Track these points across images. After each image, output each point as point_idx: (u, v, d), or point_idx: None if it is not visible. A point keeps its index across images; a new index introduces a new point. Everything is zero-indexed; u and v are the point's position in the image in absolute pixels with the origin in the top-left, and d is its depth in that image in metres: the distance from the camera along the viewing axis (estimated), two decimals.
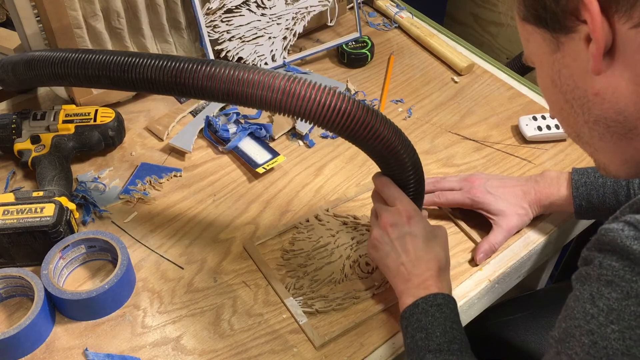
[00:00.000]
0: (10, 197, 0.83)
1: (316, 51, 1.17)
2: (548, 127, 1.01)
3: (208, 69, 0.66)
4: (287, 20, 1.12)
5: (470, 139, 1.03)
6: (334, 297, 0.80)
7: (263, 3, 1.08)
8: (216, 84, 0.66)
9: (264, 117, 1.06)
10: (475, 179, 0.87)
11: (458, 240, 0.88)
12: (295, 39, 1.15)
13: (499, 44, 1.88)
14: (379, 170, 0.77)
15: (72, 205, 0.85)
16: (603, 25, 0.45)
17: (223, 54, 1.09)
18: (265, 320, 0.79)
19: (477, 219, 0.88)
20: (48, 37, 0.96)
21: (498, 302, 0.92)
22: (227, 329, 0.78)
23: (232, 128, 1.02)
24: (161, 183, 0.96)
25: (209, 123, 1.02)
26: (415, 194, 0.77)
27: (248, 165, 0.97)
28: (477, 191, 0.85)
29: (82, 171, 0.97)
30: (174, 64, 0.67)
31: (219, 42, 1.07)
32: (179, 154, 1.00)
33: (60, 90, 1.05)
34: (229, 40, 1.08)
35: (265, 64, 1.13)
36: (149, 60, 0.68)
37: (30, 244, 0.81)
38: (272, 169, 0.98)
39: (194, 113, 1.07)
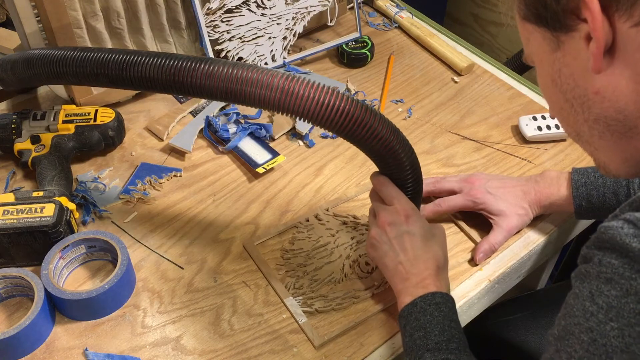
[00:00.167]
0: (10, 197, 0.83)
1: (316, 51, 1.17)
2: (548, 127, 1.01)
3: (206, 67, 0.65)
4: (287, 20, 1.12)
5: (470, 139, 1.03)
6: (333, 297, 0.80)
7: (263, 3, 1.08)
8: (215, 83, 0.65)
9: (264, 117, 1.07)
10: (475, 180, 0.87)
11: (458, 240, 0.88)
12: (295, 39, 1.15)
13: (499, 44, 1.88)
14: (378, 170, 0.77)
15: (72, 205, 0.85)
16: (603, 24, 0.45)
17: (223, 54, 1.09)
18: (265, 320, 0.79)
19: (477, 219, 0.88)
20: (48, 36, 0.96)
21: (498, 302, 0.92)
22: (227, 329, 0.78)
23: (232, 128, 1.02)
24: (161, 183, 0.96)
25: (209, 123, 1.02)
26: (413, 193, 0.77)
27: (248, 165, 0.97)
28: (477, 192, 0.85)
29: (82, 171, 0.97)
30: (172, 62, 0.67)
31: (219, 42, 1.07)
32: (179, 154, 1.00)
33: (60, 90, 1.06)
34: (229, 40, 1.08)
35: (265, 64, 1.13)
36: (148, 59, 0.68)
37: (30, 244, 0.81)
38: (272, 169, 0.98)
39: (194, 113, 1.07)
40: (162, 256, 0.86)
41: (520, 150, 1.01)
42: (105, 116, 0.97)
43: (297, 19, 1.13)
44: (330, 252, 0.85)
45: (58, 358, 0.74)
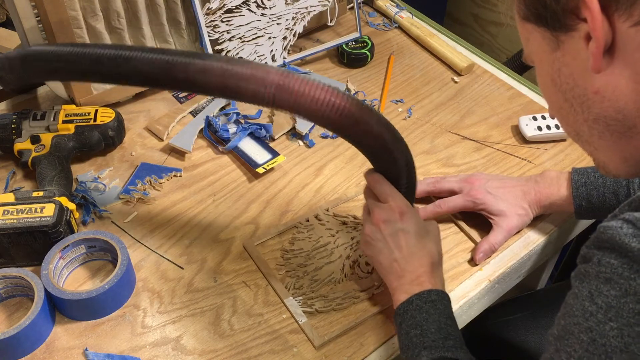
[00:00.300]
0: (10, 197, 0.83)
1: (316, 51, 1.17)
2: (548, 127, 1.01)
3: (200, 62, 0.65)
4: (287, 20, 1.12)
5: (470, 139, 1.03)
6: (333, 297, 0.80)
7: (263, 3, 1.08)
8: (208, 78, 0.65)
9: (264, 117, 1.07)
10: (475, 180, 0.87)
11: (458, 240, 0.88)
12: (295, 39, 1.15)
13: (499, 44, 1.88)
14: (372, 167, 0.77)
15: (72, 205, 0.85)
16: (603, 24, 0.45)
17: (223, 54, 1.09)
18: (265, 320, 0.79)
19: (477, 219, 0.88)
20: (48, 37, 0.96)
21: (498, 302, 0.92)
22: (227, 329, 0.78)
23: (232, 128, 1.02)
24: (161, 183, 0.96)
25: (209, 123, 1.02)
26: (407, 190, 0.77)
27: (248, 165, 0.97)
28: (477, 192, 0.85)
29: (82, 171, 0.97)
30: (166, 57, 0.66)
31: (219, 42, 1.07)
32: (179, 154, 1.00)
33: (60, 90, 1.05)
34: (229, 40, 1.08)
35: (265, 64, 1.13)
36: (141, 54, 0.67)
37: (30, 244, 0.81)
38: (272, 169, 0.98)
39: (194, 113, 1.07)
40: (162, 256, 0.86)
41: (520, 150, 1.01)
42: (105, 116, 0.97)
43: (297, 19, 1.13)
44: (330, 252, 0.85)
45: (58, 358, 0.74)
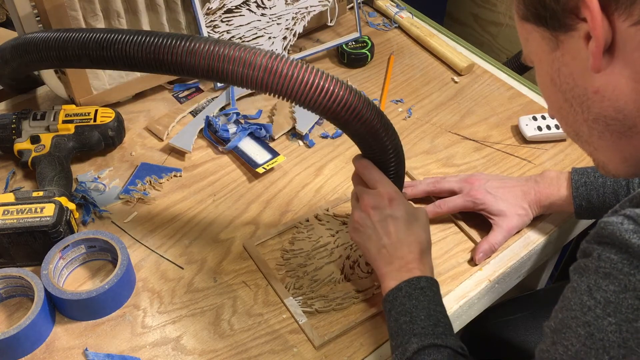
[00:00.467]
0: (10, 197, 0.83)
1: (316, 51, 1.17)
2: (548, 127, 1.01)
3: (188, 44, 0.64)
4: (287, 20, 1.12)
5: (470, 139, 1.03)
6: (333, 297, 0.80)
7: (263, 3, 1.08)
8: (196, 60, 0.64)
9: (264, 117, 1.07)
10: (475, 180, 0.87)
11: (458, 240, 0.88)
12: (295, 39, 1.15)
13: (499, 44, 1.88)
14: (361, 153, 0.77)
15: (72, 205, 0.85)
16: (603, 23, 0.45)
17: None
18: (265, 320, 0.79)
19: (477, 219, 0.88)
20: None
21: (498, 302, 0.92)
22: (227, 329, 0.78)
23: (232, 128, 1.02)
24: (161, 183, 0.96)
25: (209, 123, 1.02)
26: (395, 176, 0.76)
27: (248, 165, 0.97)
28: (477, 192, 0.85)
29: (82, 171, 0.97)
30: (153, 39, 0.65)
31: None
32: (179, 154, 1.00)
33: (60, 90, 1.06)
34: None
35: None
36: (128, 37, 0.66)
37: (30, 244, 0.81)
38: (272, 169, 0.98)
39: (194, 113, 1.07)
40: (162, 256, 0.86)
41: (520, 150, 1.01)
42: (105, 116, 0.97)
43: (297, 19, 1.13)
44: (330, 252, 0.85)
45: (58, 358, 0.74)
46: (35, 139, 0.94)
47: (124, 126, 1.01)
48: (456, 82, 1.15)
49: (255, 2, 1.07)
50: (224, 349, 0.76)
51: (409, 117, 1.08)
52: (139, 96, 1.09)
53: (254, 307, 0.80)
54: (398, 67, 1.18)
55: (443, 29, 1.27)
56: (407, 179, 0.93)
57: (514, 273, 0.87)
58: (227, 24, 1.06)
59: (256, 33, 1.10)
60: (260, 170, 0.96)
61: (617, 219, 0.46)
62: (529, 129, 1.01)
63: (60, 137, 0.94)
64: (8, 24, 1.16)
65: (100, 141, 0.97)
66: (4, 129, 0.94)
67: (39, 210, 0.80)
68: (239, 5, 1.06)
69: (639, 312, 0.43)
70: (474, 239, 0.87)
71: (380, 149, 0.72)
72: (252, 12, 1.08)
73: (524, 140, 1.03)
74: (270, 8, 1.09)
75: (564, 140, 1.02)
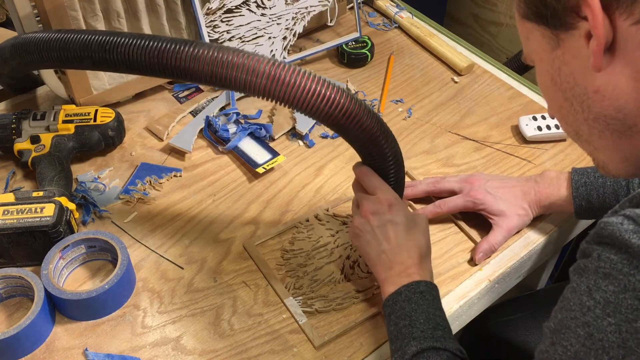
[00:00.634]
0: (10, 197, 0.83)
1: (316, 51, 1.17)
2: (548, 127, 1.01)
3: (191, 50, 0.64)
4: (287, 20, 1.12)
5: (470, 139, 1.03)
6: (333, 297, 0.80)
7: (263, 3, 1.08)
8: (199, 66, 0.64)
9: (264, 117, 1.07)
10: (475, 180, 0.87)
11: (458, 240, 0.88)
12: (295, 39, 1.15)
13: (499, 44, 1.88)
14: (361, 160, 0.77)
15: (72, 205, 0.85)
16: (604, 22, 0.44)
17: None
18: (265, 320, 0.79)
19: (477, 219, 0.88)
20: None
21: (498, 302, 0.92)
22: (227, 329, 0.78)
23: (232, 128, 1.02)
24: (161, 183, 0.96)
25: (209, 123, 1.02)
26: (395, 183, 0.77)
27: (248, 165, 0.97)
28: (477, 192, 0.85)
29: (82, 171, 0.97)
30: (156, 44, 0.65)
31: (219, 42, 1.07)
32: (179, 154, 1.00)
33: (60, 90, 1.06)
34: (229, 40, 1.08)
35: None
36: (131, 40, 0.66)
37: (30, 244, 0.81)
38: (272, 169, 0.98)
39: (194, 113, 1.07)
40: (162, 256, 0.86)
41: (520, 150, 1.01)
42: (105, 116, 0.97)
43: (297, 19, 1.13)
44: (330, 252, 0.85)
45: (58, 358, 0.74)
46: (35, 139, 0.94)
47: (124, 126, 1.01)
48: (456, 82, 1.15)
49: (255, 2, 1.07)
50: (224, 349, 0.76)
51: (409, 117, 1.08)
52: (139, 96, 1.09)
53: (254, 307, 0.80)
54: (398, 67, 1.18)
55: (443, 29, 1.27)
56: (407, 179, 0.93)
57: (514, 273, 0.87)
58: (227, 24, 1.06)
59: (256, 33, 1.10)
60: (260, 170, 0.96)
61: (616, 219, 0.46)
62: (529, 129, 1.01)
63: (60, 137, 0.94)
64: (8, 24, 1.16)
65: (100, 141, 0.97)
66: (4, 129, 0.94)
67: (39, 210, 0.80)
68: (239, 5, 1.06)
69: (639, 313, 0.43)
70: (474, 239, 0.87)
71: (379, 155, 0.73)
72: (252, 12, 1.08)
73: (524, 140, 1.03)
74: (270, 8, 1.09)
75: (564, 140, 1.02)
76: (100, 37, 0.68)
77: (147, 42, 0.66)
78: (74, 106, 0.99)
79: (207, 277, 0.83)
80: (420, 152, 1.01)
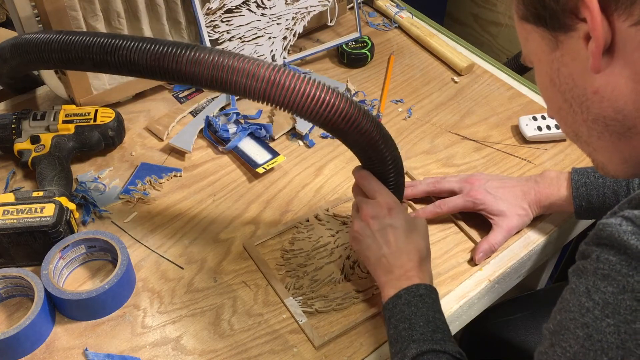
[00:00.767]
0: (10, 197, 0.83)
1: (316, 51, 1.17)
2: (548, 127, 1.01)
3: (192, 54, 0.65)
4: (287, 20, 1.12)
5: (470, 139, 1.03)
6: (334, 297, 0.80)
7: (263, 3, 1.08)
8: (200, 70, 0.65)
9: (264, 117, 1.07)
10: (475, 180, 0.87)
11: (458, 240, 0.88)
12: (295, 39, 1.15)
13: (499, 44, 1.88)
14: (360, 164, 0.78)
15: (72, 205, 0.85)
16: (603, 23, 0.44)
17: None
18: (265, 320, 0.79)
19: (477, 219, 0.88)
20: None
21: (498, 302, 0.92)
22: (227, 329, 0.78)
23: (232, 128, 1.02)
24: (161, 183, 0.96)
25: (209, 123, 1.02)
26: (395, 187, 0.77)
27: (248, 165, 0.97)
28: (477, 192, 0.85)
29: (82, 171, 0.97)
30: (157, 47, 0.66)
31: (219, 42, 1.07)
32: (179, 154, 1.00)
33: (60, 90, 1.06)
34: (229, 40, 1.08)
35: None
36: (132, 43, 0.67)
37: (30, 244, 0.81)
38: (272, 169, 0.98)
39: (194, 113, 1.07)
40: (162, 256, 0.86)
41: (520, 150, 1.01)
42: (105, 116, 0.97)
43: (297, 19, 1.13)
44: (330, 252, 0.85)
45: (58, 358, 0.75)
46: (35, 139, 0.94)
47: (124, 126, 1.01)
48: (456, 82, 1.15)
49: (255, 2, 1.07)
50: (224, 349, 0.76)
51: (409, 117, 1.08)
52: (139, 96, 1.09)
53: (254, 307, 0.80)
54: (398, 67, 1.18)
55: (443, 29, 1.27)
56: (407, 179, 0.93)
57: (514, 273, 0.87)
58: (227, 24, 1.06)
59: (256, 33, 1.10)
60: (260, 170, 0.96)
61: (615, 221, 0.46)
62: (529, 129, 1.01)
63: (60, 137, 0.94)
64: (8, 24, 1.16)
65: (100, 141, 0.97)
66: (4, 129, 0.94)
67: (39, 210, 0.80)
68: (239, 5, 1.06)
69: (638, 314, 0.43)
70: (474, 239, 0.87)
71: (379, 159, 0.73)
72: (252, 12, 1.08)
73: (524, 140, 1.03)
74: (270, 8, 1.09)
75: (564, 140, 1.02)
76: (102, 40, 0.69)
77: (148, 45, 0.66)
78: (74, 106, 0.99)
79: (207, 277, 0.83)
80: (420, 152, 1.01)
